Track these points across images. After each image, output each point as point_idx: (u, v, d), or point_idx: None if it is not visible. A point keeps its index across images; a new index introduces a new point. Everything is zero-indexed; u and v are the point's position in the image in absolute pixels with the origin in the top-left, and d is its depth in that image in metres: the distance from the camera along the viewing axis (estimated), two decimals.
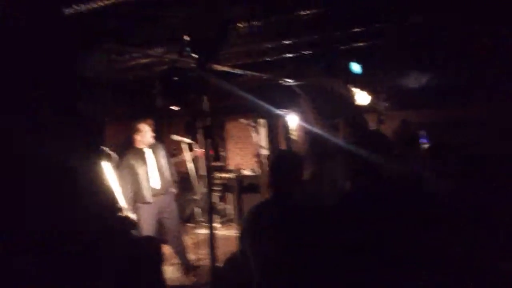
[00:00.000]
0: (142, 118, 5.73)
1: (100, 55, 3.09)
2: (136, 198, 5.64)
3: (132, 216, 5.53)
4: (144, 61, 4.83)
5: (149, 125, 5.73)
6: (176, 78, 3.05)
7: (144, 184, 5.63)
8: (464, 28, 4.96)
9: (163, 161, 5.88)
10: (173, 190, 6.05)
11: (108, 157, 4.50)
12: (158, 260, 2.58)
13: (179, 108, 3.28)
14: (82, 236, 2.09)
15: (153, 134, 5.77)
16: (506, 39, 5.22)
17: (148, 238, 4.18)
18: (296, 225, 2.50)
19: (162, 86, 3.11)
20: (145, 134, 5.70)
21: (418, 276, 2.21)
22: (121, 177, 5.61)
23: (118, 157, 4.45)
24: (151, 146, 5.81)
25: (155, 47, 4.37)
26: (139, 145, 5.75)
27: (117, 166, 4.78)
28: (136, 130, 5.71)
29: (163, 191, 5.83)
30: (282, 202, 2.66)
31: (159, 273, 2.57)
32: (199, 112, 2.98)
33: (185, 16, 3.15)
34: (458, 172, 3.51)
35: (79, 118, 2.37)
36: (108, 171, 4.51)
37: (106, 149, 4.17)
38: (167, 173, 5.88)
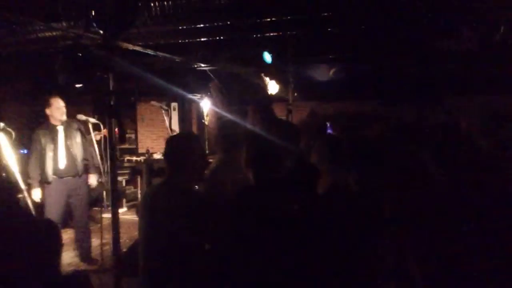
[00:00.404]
0: (55, 92, 5.41)
1: None
2: (42, 177, 5.39)
3: (35, 195, 5.31)
4: (47, 34, 4.57)
5: (62, 100, 5.42)
6: (79, 54, 2.93)
7: (48, 162, 5.36)
8: (373, 22, 5.23)
9: (76, 141, 5.56)
10: (91, 175, 5.80)
11: (7, 133, 4.25)
12: (55, 244, 2.48)
13: (81, 86, 3.15)
14: None
15: (65, 111, 5.45)
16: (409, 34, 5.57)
17: (46, 221, 3.99)
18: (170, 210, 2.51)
19: (65, 62, 2.97)
20: (56, 110, 5.39)
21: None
22: (30, 153, 5.49)
23: (13, 132, 4.19)
24: (65, 124, 5.49)
25: (60, 21, 4.15)
26: (52, 121, 5.44)
27: (15, 142, 4.51)
28: (48, 104, 5.40)
29: (71, 173, 5.53)
30: (173, 186, 2.64)
31: (55, 257, 2.47)
32: (104, 91, 2.89)
33: None
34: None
35: None
36: (5, 147, 4.26)
37: (3, 124, 3.93)
38: (79, 154, 5.57)
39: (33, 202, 5.03)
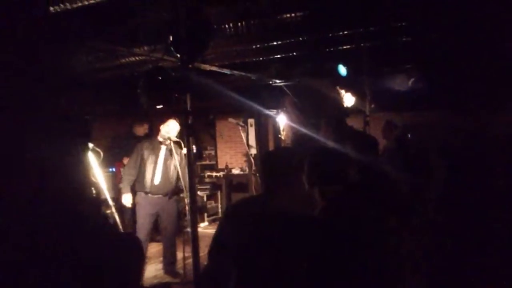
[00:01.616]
0: (173, 114, 5.75)
1: (83, 53, 3.14)
2: (137, 186, 5.72)
3: (126, 200, 5.61)
4: (130, 59, 4.87)
5: (177, 122, 5.73)
6: (159, 77, 3.10)
7: (148, 175, 5.64)
8: (450, 35, 5.05)
9: (174, 163, 5.74)
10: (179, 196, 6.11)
11: (96, 153, 4.54)
12: (138, 260, 2.59)
13: (161, 106, 3.32)
14: (61, 235, 2.11)
15: (176, 134, 5.73)
16: (488, 49, 5.31)
17: (132, 236, 4.20)
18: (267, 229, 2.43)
19: (146, 85, 3.16)
20: (169, 129, 5.69)
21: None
22: (130, 159, 5.83)
23: (101, 152, 4.47)
24: (169, 145, 5.75)
25: (140, 46, 4.41)
26: (158, 138, 5.80)
27: (103, 161, 4.81)
28: (163, 123, 5.75)
29: (162, 192, 5.75)
30: (265, 201, 2.55)
31: (138, 272, 2.57)
32: (182, 111, 3.02)
33: (169, 16, 3.20)
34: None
35: (62, 116, 2.41)
36: (95, 166, 4.56)
37: (93, 145, 4.21)
38: (174, 176, 5.79)
39: (121, 216, 5.34)
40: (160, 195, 5.73)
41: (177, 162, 5.70)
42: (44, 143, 2.39)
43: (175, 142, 5.82)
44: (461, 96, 6.90)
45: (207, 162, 11.56)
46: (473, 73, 6.14)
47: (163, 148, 5.76)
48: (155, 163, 5.69)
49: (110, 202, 4.81)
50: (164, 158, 5.73)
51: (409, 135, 6.54)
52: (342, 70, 5.97)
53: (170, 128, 5.69)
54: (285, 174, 2.53)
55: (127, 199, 5.66)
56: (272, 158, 2.71)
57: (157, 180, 5.68)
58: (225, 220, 2.71)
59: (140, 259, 2.56)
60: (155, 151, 5.72)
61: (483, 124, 6.56)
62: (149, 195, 5.66)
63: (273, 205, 2.49)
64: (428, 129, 7.51)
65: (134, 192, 5.79)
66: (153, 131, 7.35)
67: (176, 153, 5.70)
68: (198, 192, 9.29)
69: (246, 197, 2.81)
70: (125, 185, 5.70)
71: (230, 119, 7.68)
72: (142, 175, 5.66)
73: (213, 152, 11.64)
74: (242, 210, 2.63)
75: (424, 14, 4.16)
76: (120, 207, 5.99)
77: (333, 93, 6.40)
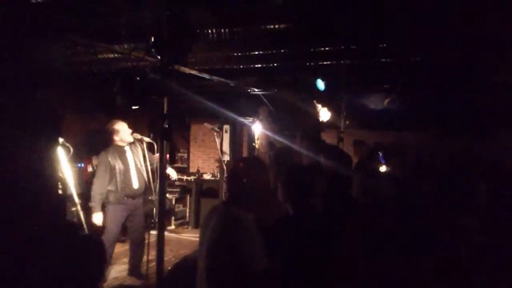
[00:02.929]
0: (115, 117, 5.52)
1: (61, 46, 3.07)
2: (109, 197, 5.41)
3: (97, 219, 5.30)
4: (109, 56, 4.79)
5: (125, 123, 5.52)
6: (137, 78, 3.06)
7: (120, 184, 5.41)
8: (429, 59, 5.16)
9: (141, 160, 5.60)
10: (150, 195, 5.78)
11: (65, 148, 4.43)
12: (98, 262, 2.53)
13: (137, 107, 3.27)
14: (22, 231, 2.06)
15: (131, 131, 5.55)
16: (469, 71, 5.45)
17: (93, 238, 4.11)
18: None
19: (123, 85, 3.10)
20: (123, 134, 5.47)
21: None
22: (97, 174, 5.46)
23: (71, 147, 4.36)
24: (131, 145, 5.60)
25: (122, 44, 4.35)
26: (118, 143, 5.52)
27: (72, 157, 4.67)
28: (113, 131, 5.48)
29: (140, 193, 5.62)
30: (227, 207, 2.66)
31: (98, 274, 2.52)
32: (159, 114, 2.98)
33: (153, 16, 3.17)
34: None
35: (34, 108, 2.36)
36: (63, 161, 4.45)
37: (63, 140, 4.12)
38: (145, 174, 5.60)
39: (87, 213, 5.17)
40: (136, 198, 5.60)
41: (142, 159, 5.59)
42: (12, 135, 2.33)
43: (148, 144, 5.72)
44: (434, 118, 7.06)
45: (179, 165, 11.47)
46: (449, 97, 6.29)
47: (127, 148, 5.58)
48: (127, 169, 5.51)
49: (76, 199, 4.71)
50: (134, 160, 5.61)
51: (380, 153, 6.65)
52: (320, 84, 6.03)
53: (125, 129, 5.52)
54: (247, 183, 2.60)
55: (98, 218, 5.36)
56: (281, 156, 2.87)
57: (135, 184, 5.54)
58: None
59: (100, 262, 2.51)
60: (122, 157, 5.52)
61: (458, 146, 6.74)
62: (123, 204, 5.46)
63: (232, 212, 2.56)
64: (399, 148, 7.66)
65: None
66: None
67: (135, 150, 5.60)
68: (167, 195, 9.18)
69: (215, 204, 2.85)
70: (97, 205, 5.36)
71: (206, 124, 7.65)
72: (116, 185, 5.41)
73: (185, 155, 11.55)
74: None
75: (405, 37, 4.23)
76: (86, 204, 5.85)
77: (310, 106, 6.45)
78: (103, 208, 5.47)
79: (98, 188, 5.38)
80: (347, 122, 6.38)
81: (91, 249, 2.39)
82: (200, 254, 2.65)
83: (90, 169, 7.40)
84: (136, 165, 5.59)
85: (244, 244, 2.41)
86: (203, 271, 2.53)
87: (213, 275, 2.48)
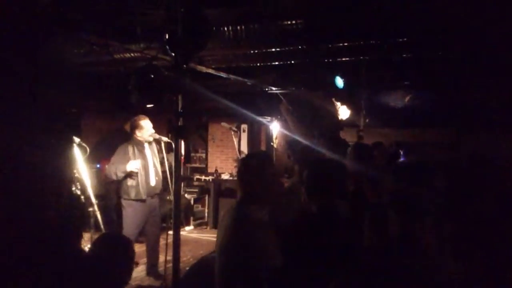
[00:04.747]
0: (141, 112, 5.50)
1: (74, 45, 3.05)
2: (130, 193, 5.40)
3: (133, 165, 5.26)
4: (125, 55, 4.77)
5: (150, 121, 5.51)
6: (152, 76, 3.01)
7: (141, 178, 5.41)
8: (452, 54, 5.01)
9: (158, 160, 5.65)
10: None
11: (82, 148, 4.42)
12: (128, 258, 2.52)
13: (152, 106, 3.23)
14: (42, 232, 2.03)
15: (153, 131, 5.53)
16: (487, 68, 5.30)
17: (119, 235, 4.10)
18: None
19: (137, 82, 3.06)
20: (146, 131, 5.46)
21: None
22: (113, 163, 5.40)
23: (87, 148, 4.34)
24: (149, 143, 5.61)
25: (138, 43, 4.32)
26: (138, 139, 5.52)
27: (89, 157, 4.65)
28: (137, 126, 5.47)
29: (158, 191, 5.63)
30: (239, 206, 2.63)
31: (127, 272, 2.51)
32: (173, 112, 2.94)
33: (167, 14, 3.13)
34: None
35: (44, 107, 2.33)
36: (80, 162, 4.44)
37: (78, 140, 4.11)
38: (161, 174, 5.63)
39: (104, 214, 5.14)
40: (154, 196, 5.60)
41: (158, 156, 5.61)
42: (26, 136, 2.31)
43: (166, 143, 5.70)
44: (457, 116, 6.89)
45: (197, 164, 11.45)
46: (472, 95, 6.13)
47: (146, 146, 5.58)
48: (146, 164, 5.52)
49: (93, 200, 4.70)
50: (152, 157, 5.62)
51: (401, 152, 6.51)
52: (339, 82, 5.92)
53: (149, 127, 5.50)
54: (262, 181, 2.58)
55: (134, 164, 5.30)
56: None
57: (153, 181, 5.54)
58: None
59: (128, 259, 2.49)
60: (141, 153, 5.51)
61: (478, 144, 6.56)
62: (141, 202, 5.44)
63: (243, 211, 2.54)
64: (421, 146, 7.50)
65: (119, 197, 5.59)
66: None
67: (153, 149, 5.61)
68: (186, 195, 9.17)
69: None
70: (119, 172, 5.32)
71: (223, 123, 7.61)
72: (138, 180, 5.40)
73: (203, 155, 11.53)
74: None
75: (427, 31, 4.11)
76: (104, 205, 5.86)
77: (329, 104, 6.36)
78: (121, 207, 5.47)
79: (115, 167, 5.32)
80: (367, 120, 6.27)
81: (119, 247, 2.37)
82: (216, 253, 2.63)
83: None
84: (153, 163, 5.59)
85: (256, 242, 2.37)
86: (217, 270, 2.50)
87: (226, 274, 2.45)
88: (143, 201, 5.45)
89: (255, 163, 2.70)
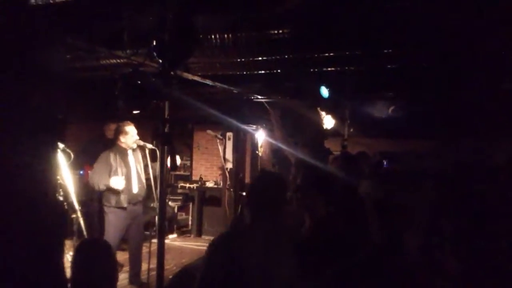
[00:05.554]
0: (127, 118, 5.43)
1: (61, 50, 3.03)
2: (110, 200, 5.34)
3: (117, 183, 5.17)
4: (112, 61, 4.76)
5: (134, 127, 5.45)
6: (138, 81, 3.01)
7: (124, 186, 5.32)
8: (437, 66, 5.09)
9: (142, 167, 5.58)
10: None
11: (66, 154, 4.38)
12: (111, 266, 2.49)
13: (138, 112, 3.23)
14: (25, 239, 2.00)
15: (138, 138, 5.47)
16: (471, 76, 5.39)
17: (102, 241, 4.05)
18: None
19: (124, 88, 3.06)
20: (130, 137, 5.41)
21: None
22: (96, 173, 5.32)
23: (72, 153, 4.30)
24: (133, 150, 5.55)
25: (125, 49, 4.31)
26: (121, 145, 5.46)
27: (73, 163, 4.60)
28: (122, 131, 5.41)
29: (140, 198, 5.57)
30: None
31: (111, 279, 2.47)
32: (159, 119, 2.94)
33: (155, 20, 3.13)
34: None
35: (30, 112, 2.30)
36: (63, 167, 4.40)
37: (62, 145, 4.07)
38: (144, 181, 5.57)
39: (87, 220, 5.07)
40: (137, 204, 5.54)
41: (142, 166, 5.55)
42: (13, 140, 2.28)
43: (151, 150, 5.66)
44: (440, 126, 6.99)
45: (181, 172, 11.40)
46: (455, 105, 6.23)
47: (129, 152, 5.53)
48: (129, 172, 5.46)
49: (76, 206, 4.65)
50: (135, 165, 5.56)
51: (384, 161, 6.58)
52: (324, 91, 5.98)
53: (133, 133, 5.45)
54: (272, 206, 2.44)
55: (117, 180, 5.20)
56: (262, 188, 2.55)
57: (135, 189, 5.49)
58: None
59: (110, 265, 2.45)
60: (124, 160, 5.45)
61: (461, 154, 6.65)
62: (122, 209, 5.38)
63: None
64: (404, 156, 7.58)
65: (101, 204, 5.51)
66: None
67: (136, 155, 5.55)
68: (170, 203, 9.12)
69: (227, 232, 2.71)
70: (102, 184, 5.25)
71: (209, 131, 7.61)
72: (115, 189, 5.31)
73: (188, 163, 11.49)
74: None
75: (412, 42, 4.17)
76: (87, 211, 5.79)
77: (314, 114, 6.40)
78: (103, 214, 5.41)
79: (98, 179, 5.24)
80: (351, 130, 6.33)
81: (100, 253, 2.34)
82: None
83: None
84: (137, 170, 5.54)
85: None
86: None
87: None
88: (124, 208, 5.39)
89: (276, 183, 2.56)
